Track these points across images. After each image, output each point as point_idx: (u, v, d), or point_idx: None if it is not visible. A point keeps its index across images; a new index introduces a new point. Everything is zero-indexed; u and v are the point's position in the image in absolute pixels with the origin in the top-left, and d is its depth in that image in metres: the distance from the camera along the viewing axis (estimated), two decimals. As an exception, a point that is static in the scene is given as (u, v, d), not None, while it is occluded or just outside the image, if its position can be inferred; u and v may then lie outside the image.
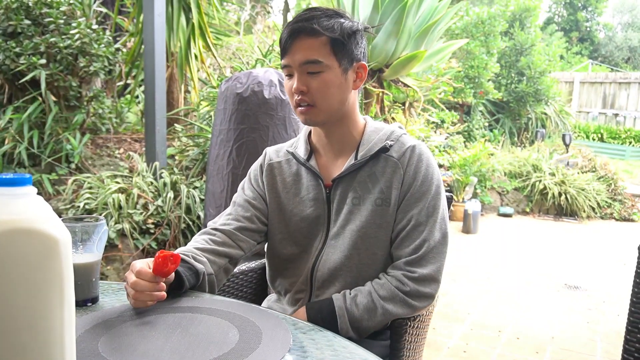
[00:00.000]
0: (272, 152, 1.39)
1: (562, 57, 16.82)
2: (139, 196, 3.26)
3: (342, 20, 1.20)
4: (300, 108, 1.21)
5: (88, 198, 3.21)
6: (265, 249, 1.41)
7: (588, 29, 23.49)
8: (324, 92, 1.19)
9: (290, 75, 1.21)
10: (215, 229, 1.30)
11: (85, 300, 1.03)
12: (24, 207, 0.60)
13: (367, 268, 1.24)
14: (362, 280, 1.23)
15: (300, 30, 1.17)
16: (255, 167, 1.40)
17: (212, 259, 1.22)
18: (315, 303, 1.22)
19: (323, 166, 1.30)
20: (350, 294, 1.20)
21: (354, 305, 1.17)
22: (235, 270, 1.46)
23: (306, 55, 1.17)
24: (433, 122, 6.72)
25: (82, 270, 1.01)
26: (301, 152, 1.32)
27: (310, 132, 1.36)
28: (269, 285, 1.43)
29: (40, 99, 3.72)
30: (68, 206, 3.24)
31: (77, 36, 3.72)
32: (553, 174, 7.34)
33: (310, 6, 1.23)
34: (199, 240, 1.27)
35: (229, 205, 1.39)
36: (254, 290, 1.58)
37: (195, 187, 3.46)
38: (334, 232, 1.26)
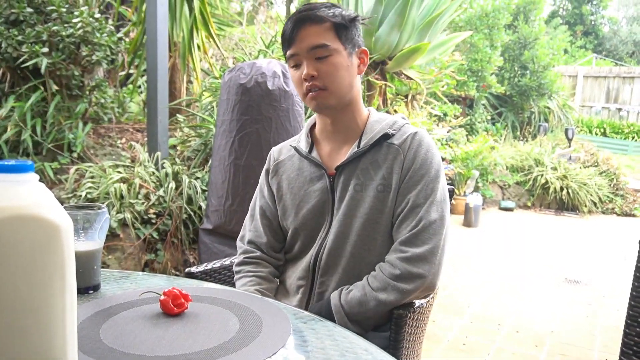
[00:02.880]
0: (276, 152, 1.44)
1: (566, 51, 16.73)
2: (141, 186, 3.27)
3: (340, 9, 1.26)
4: (311, 93, 1.23)
5: (90, 187, 3.22)
6: None
7: (593, 22, 23.35)
8: (334, 74, 1.22)
9: (297, 66, 1.24)
10: (256, 257, 1.39)
11: (86, 287, 1.03)
12: (26, 193, 0.60)
13: (367, 253, 1.26)
14: (363, 265, 1.26)
15: (304, 19, 1.21)
16: (262, 175, 1.45)
17: (273, 287, 1.37)
18: (315, 305, 1.26)
19: (326, 156, 1.33)
20: (346, 289, 1.23)
21: (346, 300, 1.20)
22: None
23: (313, 41, 1.20)
24: (435, 115, 6.71)
25: (83, 258, 1.01)
26: (303, 146, 1.36)
27: (312, 126, 1.39)
28: None
29: (42, 87, 3.72)
30: (70, 195, 3.24)
31: (79, 25, 3.70)
32: (555, 169, 7.33)
33: (307, 3, 1.30)
34: (248, 274, 1.36)
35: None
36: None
37: (197, 178, 3.47)
38: (338, 219, 1.28)
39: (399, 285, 1.17)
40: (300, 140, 1.38)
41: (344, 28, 1.22)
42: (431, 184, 1.23)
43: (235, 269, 1.41)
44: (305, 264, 1.32)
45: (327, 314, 1.20)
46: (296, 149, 1.37)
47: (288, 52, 1.23)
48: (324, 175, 1.30)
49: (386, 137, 1.26)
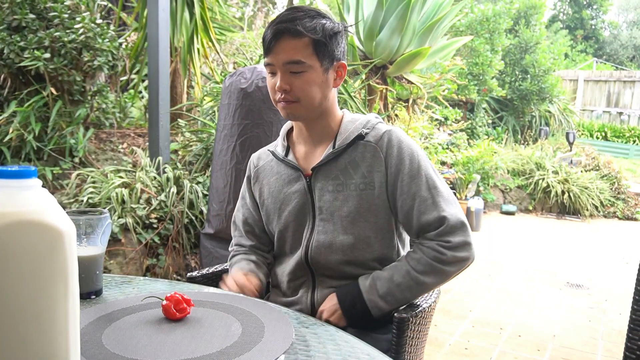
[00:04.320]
0: (255, 158, 1.48)
1: (566, 55, 16.76)
2: (142, 191, 3.27)
3: (324, 21, 1.23)
4: (282, 103, 1.25)
5: (91, 192, 3.22)
6: None
7: (593, 27, 23.39)
8: (306, 90, 1.23)
9: (273, 73, 1.26)
10: (248, 247, 1.45)
11: (89, 292, 1.03)
12: (29, 199, 0.60)
13: (363, 251, 1.28)
14: (360, 263, 1.28)
15: (284, 30, 1.20)
16: (244, 182, 1.49)
17: (266, 261, 1.43)
18: (347, 297, 1.25)
19: (303, 158, 1.36)
20: (386, 273, 1.24)
21: (390, 289, 1.22)
22: None
23: (289, 56, 1.20)
24: (436, 120, 6.71)
25: (86, 263, 1.01)
26: (279, 150, 1.39)
27: (288, 131, 1.43)
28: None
29: (43, 92, 3.73)
30: (71, 200, 3.24)
31: (81, 31, 3.71)
32: (556, 172, 7.33)
33: (291, 6, 1.28)
34: (239, 253, 1.43)
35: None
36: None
37: (198, 182, 3.47)
38: (321, 218, 1.30)
39: (445, 268, 1.20)
40: (277, 144, 1.42)
41: (322, 44, 1.22)
42: (428, 175, 1.25)
43: (228, 264, 1.46)
44: (295, 265, 1.33)
45: (361, 308, 1.22)
46: (273, 153, 1.40)
47: (265, 60, 1.25)
48: (301, 177, 1.33)
49: (360, 136, 1.29)
